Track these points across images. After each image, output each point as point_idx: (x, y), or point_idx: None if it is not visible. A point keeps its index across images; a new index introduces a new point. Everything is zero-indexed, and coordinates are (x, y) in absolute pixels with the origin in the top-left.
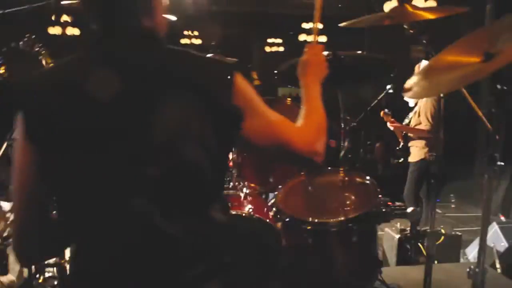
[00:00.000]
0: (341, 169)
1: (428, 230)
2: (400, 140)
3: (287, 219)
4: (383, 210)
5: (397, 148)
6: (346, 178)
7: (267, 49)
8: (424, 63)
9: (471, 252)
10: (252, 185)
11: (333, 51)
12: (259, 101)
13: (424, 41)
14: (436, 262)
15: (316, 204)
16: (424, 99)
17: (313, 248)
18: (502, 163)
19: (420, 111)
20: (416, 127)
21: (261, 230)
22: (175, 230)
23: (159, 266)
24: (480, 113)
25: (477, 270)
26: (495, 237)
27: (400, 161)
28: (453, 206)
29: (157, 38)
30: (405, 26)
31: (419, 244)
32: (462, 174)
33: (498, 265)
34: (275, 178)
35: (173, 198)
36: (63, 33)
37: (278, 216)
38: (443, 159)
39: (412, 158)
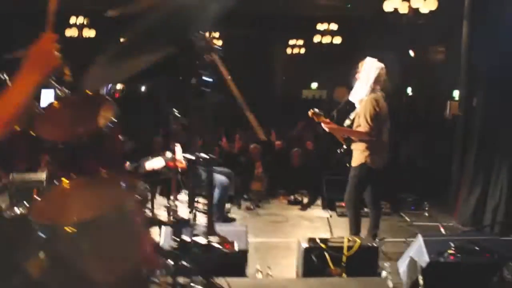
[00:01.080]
0: (104, 171)
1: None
2: (342, 142)
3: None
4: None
5: (339, 151)
6: (107, 183)
7: (288, 50)
8: (368, 59)
9: (401, 265)
10: None
11: None
12: None
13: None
14: (344, 275)
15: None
16: (364, 99)
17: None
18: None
19: (360, 112)
20: (357, 129)
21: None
22: None
23: None
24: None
25: None
26: (419, 251)
27: (347, 165)
28: (426, 214)
29: None
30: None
31: (326, 254)
32: (440, 181)
33: (421, 281)
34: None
35: None
36: (79, 35)
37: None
38: (385, 164)
39: (353, 162)
